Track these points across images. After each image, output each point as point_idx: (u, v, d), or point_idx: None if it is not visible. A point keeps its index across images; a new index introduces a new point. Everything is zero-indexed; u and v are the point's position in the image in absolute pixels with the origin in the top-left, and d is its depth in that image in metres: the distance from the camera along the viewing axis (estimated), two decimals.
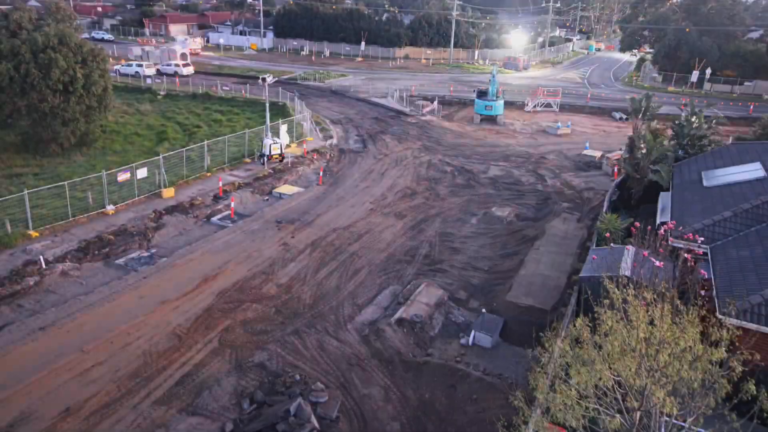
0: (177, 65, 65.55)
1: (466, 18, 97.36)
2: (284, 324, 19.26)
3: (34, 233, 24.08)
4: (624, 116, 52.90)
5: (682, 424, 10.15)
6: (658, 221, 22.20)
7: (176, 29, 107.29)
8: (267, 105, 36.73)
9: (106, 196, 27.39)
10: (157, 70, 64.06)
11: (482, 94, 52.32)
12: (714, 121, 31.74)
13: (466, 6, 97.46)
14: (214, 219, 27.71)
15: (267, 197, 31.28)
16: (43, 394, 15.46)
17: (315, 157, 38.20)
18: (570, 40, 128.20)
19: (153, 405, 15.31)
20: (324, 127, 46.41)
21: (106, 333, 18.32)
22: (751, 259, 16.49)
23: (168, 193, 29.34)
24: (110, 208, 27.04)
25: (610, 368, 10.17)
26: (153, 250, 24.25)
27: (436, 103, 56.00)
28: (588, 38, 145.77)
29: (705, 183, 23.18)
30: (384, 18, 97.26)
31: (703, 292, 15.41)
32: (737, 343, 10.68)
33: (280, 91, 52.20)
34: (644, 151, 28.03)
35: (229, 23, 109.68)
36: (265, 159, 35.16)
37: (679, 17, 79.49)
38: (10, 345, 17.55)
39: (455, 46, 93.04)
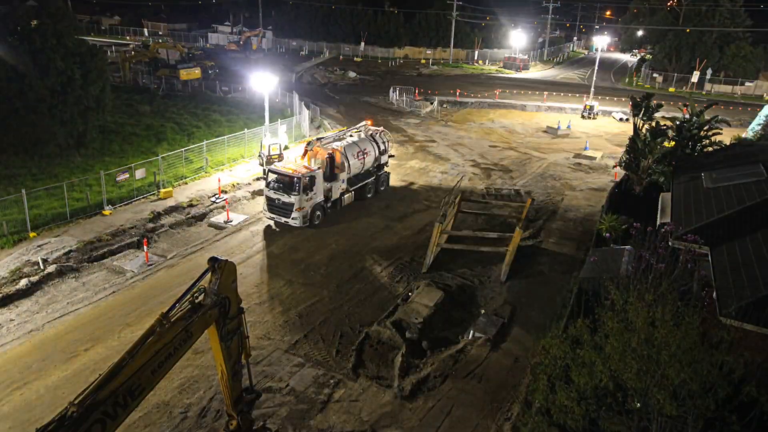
0: None
1: (465, 18, 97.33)
2: (284, 329, 19.21)
3: (32, 234, 24.01)
4: (625, 117, 52.86)
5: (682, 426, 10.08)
6: (658, 222, 22.11)
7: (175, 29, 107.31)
8: (266, 105, 36.65)
9: (104, 196, 27.32)
10: None
11: None
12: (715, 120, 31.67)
13: (466, 6, 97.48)
14: (213, 220, 27.62)
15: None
16: (35, 398, 15.42)
17: None
18: (570, 40, 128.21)
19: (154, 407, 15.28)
20: (324, 127, 46.31)
21: (104, 334, 18.27)
22: (751, 259, 16.40)
23: (166, 193, 29.27)
24: (108, 209, 26.96)
25: (611, 369, 10.09)
26: (150, 251, 24.16)
27: (435, 103, 56.05)
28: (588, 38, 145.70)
29: (705, 184, 23.08)
30: (384, 18, 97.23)
31: (703, 293, 15.33)
32: (738, 345, 10.60)
33: (280, 91, 52.18)
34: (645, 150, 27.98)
35: (228, 23, 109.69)
36: (264, 159, 35.06)
37: (681, 18, 79.49)
38: (6, 345, 17.50)
39: (455, 46, 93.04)
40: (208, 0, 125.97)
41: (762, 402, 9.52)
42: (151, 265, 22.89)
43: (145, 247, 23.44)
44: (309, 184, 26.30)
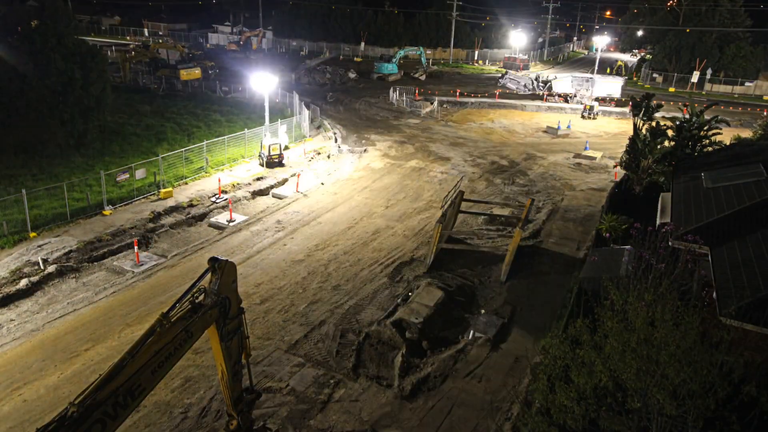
0: None
1: (465, 18, 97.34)
2: (284, 329, 19.20)
3: (32, 234, 24.02)
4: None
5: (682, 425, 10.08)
6: (658, 222, 22.11)
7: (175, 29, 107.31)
8: (266, 105, 36.67)
9: (104, 196, 27.33)
10: None
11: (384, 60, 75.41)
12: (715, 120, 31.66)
13: (466, 6, 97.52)
14: (213, 220, 27.63)
15: (266, 197, 31.19)
16: (35, 398, 15.42)
17: (314, 157, 38.13)
18: (570, 40, 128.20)
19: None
20: (324, 127, 46.32)
21: (104, 334, 18.27)
22: (751, 259, 16.40)
23: (167, 193, 29.28)
24: (108, 209, 26.97)
25: (610, 369, 10.09)
26: (151, 251, 24.17)
27: (435, 104, 56.06)
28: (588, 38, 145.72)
29: (705, 184, 23.08)
30: (383, 18, 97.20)
31: (703, 293, 15.32)
32: (738, 345, 10.61)
33: (280, 91, 52.16)
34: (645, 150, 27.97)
35: (228, 24, 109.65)
36: (264, 159, 35.11)
37: (681, 18, 79.53)
38: (6, 345, 17.50)
39: (455, 46, 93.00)
40: (208, 0, 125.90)
41: (762, 402, 9.52)
42: (149, 265, 22.88)
43: (135, 247, 23.40)
44: None
